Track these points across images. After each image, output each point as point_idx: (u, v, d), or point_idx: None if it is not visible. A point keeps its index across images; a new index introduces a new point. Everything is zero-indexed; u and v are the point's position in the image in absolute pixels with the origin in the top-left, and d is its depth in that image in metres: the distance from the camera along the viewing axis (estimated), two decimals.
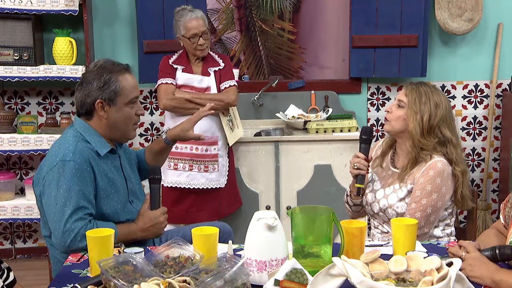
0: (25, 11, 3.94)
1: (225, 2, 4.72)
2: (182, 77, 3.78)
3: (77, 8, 3.97)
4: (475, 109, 4.62)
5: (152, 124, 4.57)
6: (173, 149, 3.77)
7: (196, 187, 3.83)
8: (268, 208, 4.07)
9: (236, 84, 3.87)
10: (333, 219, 1.99)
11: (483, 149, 4.65)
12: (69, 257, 2.23)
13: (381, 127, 4.59)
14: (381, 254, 1.88)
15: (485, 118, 4.61)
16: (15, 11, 3.94)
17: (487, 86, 4.59)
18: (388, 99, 4.58)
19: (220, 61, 3.86)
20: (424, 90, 2.58)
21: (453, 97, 4.60)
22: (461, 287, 1.80)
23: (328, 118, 4.29)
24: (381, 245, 2.33)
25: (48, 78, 4.05)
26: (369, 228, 2.78)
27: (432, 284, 1.67)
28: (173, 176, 3.83)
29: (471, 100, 4.61)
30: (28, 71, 4.01)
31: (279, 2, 4.71)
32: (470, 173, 4.56)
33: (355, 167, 2.58)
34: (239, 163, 4.10)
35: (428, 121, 2.55)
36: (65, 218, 2.25)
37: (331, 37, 4.76)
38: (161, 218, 2.46)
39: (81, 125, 2.44)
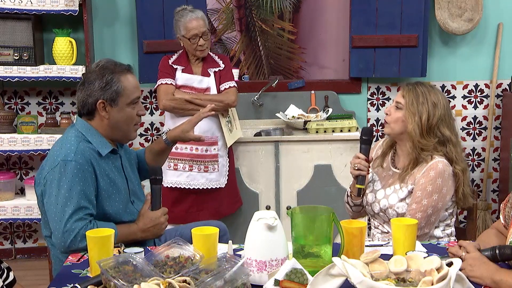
0: (25, 11, 3.94)
1: (225, 2, 4.72)
2: (182, 77, 3.78)
3: (77, 8, 3.97)
4: (475, 109, 4.62)
5: (152, 124, 4.57)
6: (173, 150, 3.76)
7: (196, 187, 3.83)
8: (268, 208, 4.07)
9: (236, 85, 3.87)
10: (333, 219, 1.99)
11: (483, 149, 4.65)
12: (69, 257, 2.23)
13: (381, 127, 4.59)
14: (381, 254, 1.88)
15: (485, 118, 4.61)
16: (15, 11, 3.94)
17: (487, 86, 4.59)
18: (388, 99, 4.58)
19: (220, 62, 3.86)
20: (422, 91, 2.58)
21: (453, 97, 4.60)
22: (461, 287, 1.80)
23: (328, 118, 4.29)
24: (381, 245, 2.33)
25: (48, 78, 4.05)
26: (369, 228, 2.78)
27: (432, 284, 1.67)
28: (173, 176, 3.83)
29: (471, 100, 4.61)
30: (28, 71, 4.01)
31: (279, 2, 4.71)
32: (470, 173, 4.56)
33: (356, 168, 2.58)
34: (239, 163, 4.10)
35: (427, 121, 2.55)
36: (65, 218, 2.26)
37: (331, 37, 4.76)
38: (161, 219, 2.45)
39: (82, 125, 2.44)
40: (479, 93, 4.60)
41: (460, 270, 1.84)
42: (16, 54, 4.02)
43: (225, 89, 3.81)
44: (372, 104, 4.61)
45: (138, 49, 4.36)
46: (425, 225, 2.52)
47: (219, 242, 2.10)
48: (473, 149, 4.66)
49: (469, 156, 4.65)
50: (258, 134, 4.31)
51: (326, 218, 1.99)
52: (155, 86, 3.81)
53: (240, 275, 1.81)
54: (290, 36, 4.77)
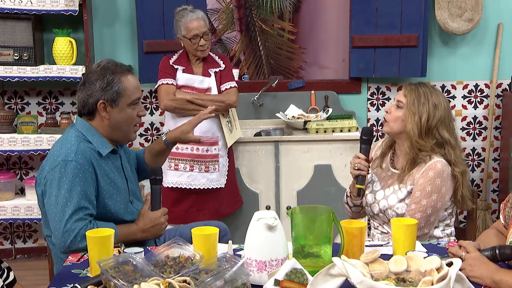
0: (25, 11, 3.94)
1: (225, 2, 4.72)
2: (182, 77, 3.78)
3: (77, 8, 3.97)
4: (475, 109, 4.62)
5: (152, 124, 4.57)
6: (174, 150, 3.77)
7: (197, 187, 3.83)
8: (268, 208, 4.07)
9: (236, 85, 3.87)
10: (333, 219, 1.99)
11: (483, 149, 4.65)
12: (69, 257, 2.23)
13: (381, 127, 4.59)
14: (381, 254, 1.88)
15: (485, 118, 4.61)
16: (15, 11, 3.94)
17: (487, 86, 4.59)
18: (388, 99, 4.58)
19: (221, 62, 3.86)
20: (423, 91, 2.58)
21: (453, 97, 4.60)
22: (461, 287, 1.80)
23: (328, 118, 4.29)
24: (381, 245, 2.32)
25: (48, 78, 4.05)
26: (369, 229, 2.77)
27: (432, 284, 1.67)
28: (173, 176, 3.83)
29: (471, 100, 4.61)
30: (28, 71, 4.01)
31: (279, 2, 4.71)
32: (470, 173, 4.56)
33: (356, 168, 2.57)
34: (239, 163, 4.10)
35: (426, 122, 2.54)
36: (65, 218, 2.26)
37: (331, 37, 4.76)
38: (161, 219, 2.45)
39: (82, 125, 2.44)
40: (479, 93, 4.60)
41: (460, 270, 1.84)
42: (16, 54, 4.02)
43: (226, 89, 3.81)
44: (372, 104, 4.61)
45: (138, 49, 4.36)
46: (425, 225, 2.52)
47: (220, 242, 2.11)
48: (473, 149, 4.66)
49: (469, 156, 4.65)
50: (258, 134, 4.31)
51: (326, 218, 1.99)
52: (156, 86, 3.81)
53: (240, 275, 1.81)
54: (290, 36, 4.77)
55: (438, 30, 4.46)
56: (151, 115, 4.56)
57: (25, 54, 4.03)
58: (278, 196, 4.15)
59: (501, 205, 2.28)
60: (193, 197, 3.86)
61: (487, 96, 4.60)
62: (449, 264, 1.75)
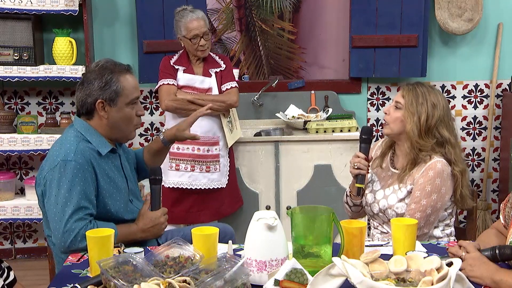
0: (25, 11, 3.95)
1: (225, 2, 4.72)
2: (183, 78, 3.78)
3: (77, 8, 3.97)
4: (475, 109, 4.62)
5: (152, 124, 4.57)
6: (175, 150, 3.78)
7: (198, 188, 3.83)
8: (268, 208, 4.07)
9: (237, 85, 3.87)
10: (333, 219, 1.99)
11: (483, 149, 4.65)
12: (69, 257, 2.23)
13: (381, 127, 4.60)
14: (381, 254, 1.88)
15: (485, 118, 4.61)
16: (15, 11, 3.94)
17: (487, 86, 4.59)
18: (388, 99, 4.58)
19: (221, 62, 3.86)
20: (421, 91, 2.58)
21: (453, 97, 4.60)
22: (461, 287, 1.80)
23: (328, 118, 4.29)
24: (381, 245, 2.32)
25: (48, 78, 4.05)
26: (369, 229, 2.77)
27: (432, 284, 1.67)
28: (175, 176, 3.83)
29: (471, 100, 4.61)
30: (28, 71, 4.01)
31: (279, 2, 4.71)
32: (470, 173, 4.56)
33: (355, 167, 2.57)
34: (239, 163, 4.10)
35: (426, 122, 2.54)
36: (65, 218, 2.26)
37: (331, 37, 4.76)
38: (161, 219, 2.45)
39: (81, 125, 2.44)
40: (479, 93, 4.60)
41: (460, 270, 1.84)
42: (16, 54, 4.02)
43: (226, 89, 3.81)
44: (372, 104, 4.61)
45: (138, 49, 4.36)
46: (424, 225, 2.52)
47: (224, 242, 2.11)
48: (473, 149, 4.66)
49: (469, 156, 4.65)
50: (258, 134, 4.32)
51: (326, 218, 1.99)
52: (157, 87, 3.81)
53: (240, 275, 1.81)
54: (290, 36, 4.77)
55: (438, 30, 4.46)
56: (151, 115, 4.56)
57: (25, 54, 4.03)
58: (278, 196, 4.15)
59: (501, 205, 2.27)
60: (194, 197, 3.86)
61: (487, 96, 4.60)
62: (449, 264, 1.75)
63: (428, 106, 2.55)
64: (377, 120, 4.61)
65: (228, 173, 3.91)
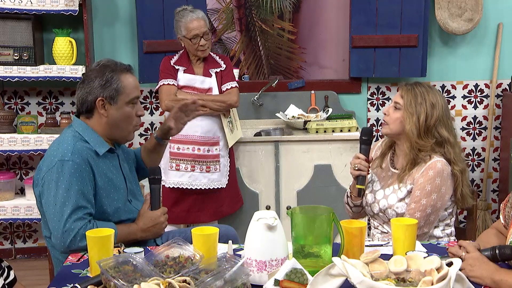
0: (25, 11, 3.94)
1: (225, 2, 4.72)
2: (184, 78, 3.78)
3: (77, 8, 3.97)
4: (475, 109, 4.62)
5: (152, 124, 4.57)
6: (175, 150, 3.78)
7: (198, 188, 3.83)
8: (268, 208, 4.08)
9: (237, 85, 3.87)
10: (333, 219, 1.99)
11: (483, 149, 4.65)
12: (69, 257, 2.23)
13: (381, 127, 4.59)
14: (381, 254, 1.88)
15: (485, 118, 4.61)
16: (15, 11, 3.94)
17: (487, 86, 4.59)
18: (388, 99, 4.58)
19: (222, 62, 3.86)
20: (420, 91, 2.58)
21: (453, 97, 4.60)
22: (461, 287, 1.80)
23: (328, 118, 4.29)
24: (381, 245, 2.33)
25: (48, 78, 4.05)
26: (369, 229, 2.78)
27: (432, 284, 1.67)
28: (175, 177, 3.83)
29: (471, 100, 4.61)
30: (28, 71, 4.01)
31: (279, 2, 4.71)
32: (470, 173, 4.56)
33: (356, 168, 2.58)
34: (239, 163, 4.10)
35: (425, 122, 2.54)
36: (64, 218, 2.25)
37: (331, 37, 4.76)
38: (161, 219, 2.45)
39: (79, 125, 2.44)
40: (479, 93, 4.60)
41: (460, 270, 1.84)
42: (16, 54, 4.02)
43: (227, 89, 3.81)
44: (372, 104, 4.61)
45: (138, 49, 4.36)
46: (424, 224, 2.52)
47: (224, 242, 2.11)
48: (473, 149, 4.66)
49: (469, 156, 4.65)
50: (258, 134, 4.32)
51: (326, 218, 1.99)
52: (157, 87, 3.81)
53: (240, 275, 1.81)
54: (290, 36, 4.77)
55: (438, 30, 4.46)
56: (151, 115, 4.56)
57: (25, 54, 4.03)
58: (278, 196, 4.15)
59: (501, 205, 2.28)
60: (194, 197, 3.86)
61: (487, 96, 4.60)
62: (449, 264, 1.75)
63: (427, 106, 2.55)
64: (377, 120, 4.61)
65: (228, 173, 3.91)
